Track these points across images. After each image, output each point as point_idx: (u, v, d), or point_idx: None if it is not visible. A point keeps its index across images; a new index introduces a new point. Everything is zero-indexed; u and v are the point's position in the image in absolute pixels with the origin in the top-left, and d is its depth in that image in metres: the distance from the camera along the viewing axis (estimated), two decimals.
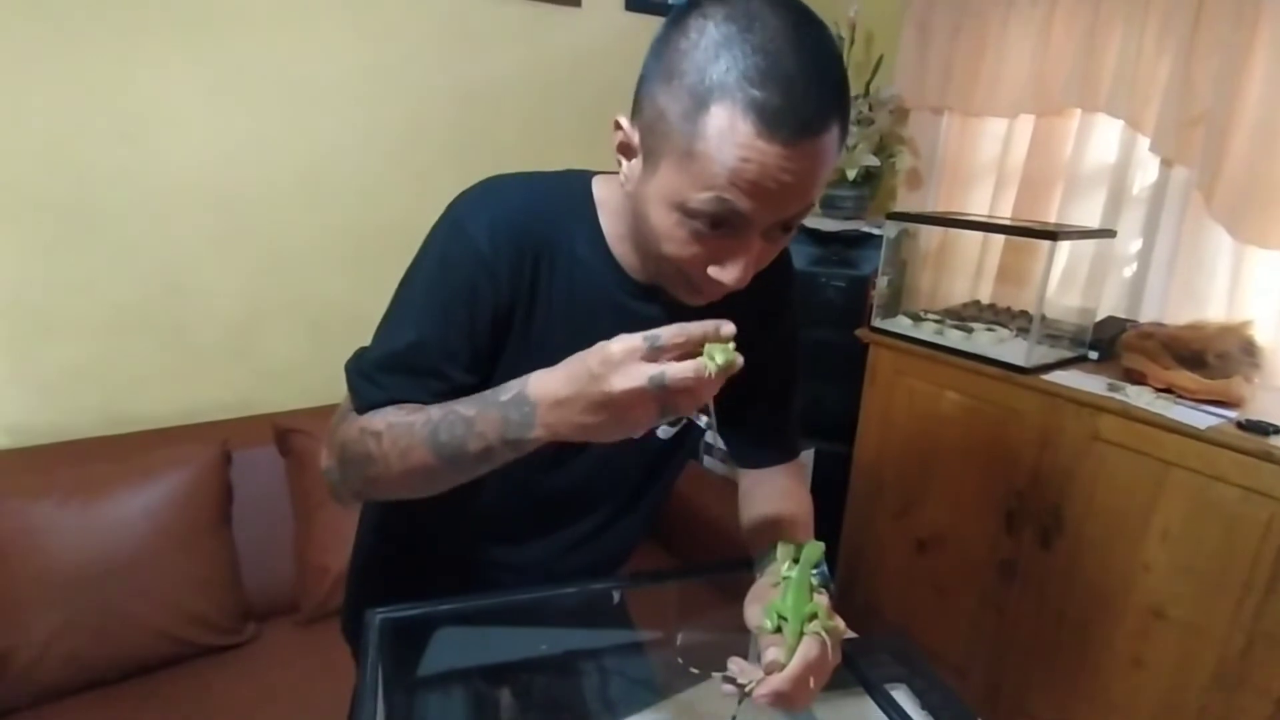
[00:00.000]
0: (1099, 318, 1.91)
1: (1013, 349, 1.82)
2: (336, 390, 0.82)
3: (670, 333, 0.60)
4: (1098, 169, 1.99)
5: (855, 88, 2.32)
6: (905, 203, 2.46)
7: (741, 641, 0.78)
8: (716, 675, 0.70)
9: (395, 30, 1.87)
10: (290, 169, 1.80)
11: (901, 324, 2.05)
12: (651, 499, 0.98)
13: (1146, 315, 1.90)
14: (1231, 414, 1.49)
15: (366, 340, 0.81)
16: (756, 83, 0.60)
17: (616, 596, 1.01)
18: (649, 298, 0.80)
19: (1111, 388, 1.62)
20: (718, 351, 0.60)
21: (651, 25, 0.70)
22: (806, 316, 2.22)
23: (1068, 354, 1.84)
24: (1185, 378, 1.57)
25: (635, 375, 0.59)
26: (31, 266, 1.57)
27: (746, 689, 0.66)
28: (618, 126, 0.72)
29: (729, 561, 0.92)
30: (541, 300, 0.78)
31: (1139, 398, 1.56)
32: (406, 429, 0.71)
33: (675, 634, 0.91)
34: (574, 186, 0.82)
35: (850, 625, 0.81)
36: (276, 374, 1.88)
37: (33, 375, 1.61)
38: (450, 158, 1.99)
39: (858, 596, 2.18)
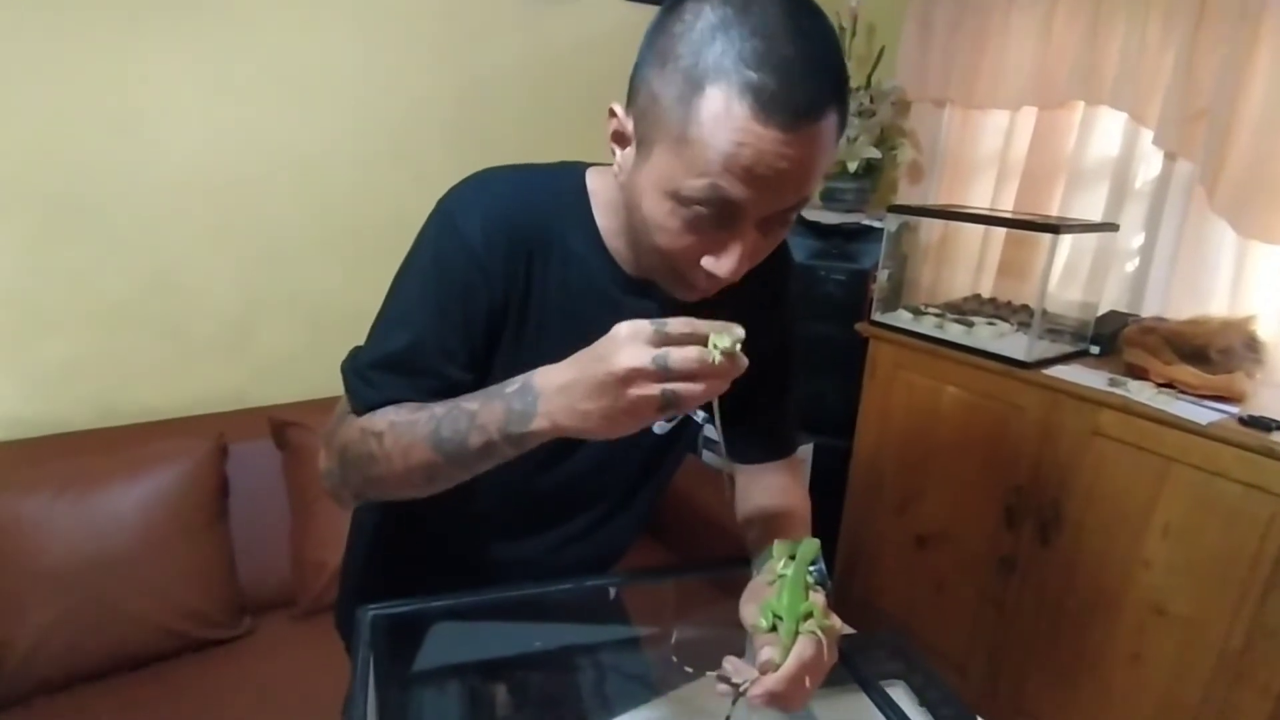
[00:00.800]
0: (1101, 312, 1.90)
1: (1014, 343, 1.81)
2: (333, 384, 0.81)
3: (678, 323, 0.59)
4: (1100, 162, 1.98)
5: (856, 80, 2.31)
6: (906, 196, 2.45)
7: (737, 638, 0.77)
8: (711, 674, 0.69)
9: (392, 21, 1.85)
10: (287, 161, 1.79)
11: (902, 318, 2.04)
12: (648, 494, 0.97)
13: (1149, 310, 1.89)
14: (1233, 410, 1.48)
15: (363, 334, 0.80)
16: (753, 66, 0.58)
17: (613, 593, 1.00)
18: (644, 293, 0.79)
19: (1113, 383, 1.61)
20: (723, 339, 0.59)
21: (650, 15, 0.68)
22: (806, 310, 2.23)
23: (1069, 349, 1.83)
24: (1187, 373, 1.56)
25: (639, 355, 0.58)
26: (26, 259, 1.56)
27: (741, 689, 0.65)
28: (612, 114, 0.71)
29: (726, 558, 0.91)
30: (536, 296, 0.77)
31: (1140, 393, 1.55)
32: (409, 427, 0.70)
33: (671, 631, 0.91)
34: (567, 179, 0.80)
35: (849, 621, 0.81)
36: (273, 367, 1.87)
37: (27, 368, 1.60)
38: (448, 149, 1.98)
39: (857, 591, 2.18)
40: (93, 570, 1.41)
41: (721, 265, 0.67)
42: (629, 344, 0.59)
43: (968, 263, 2.27)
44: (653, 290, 0.78)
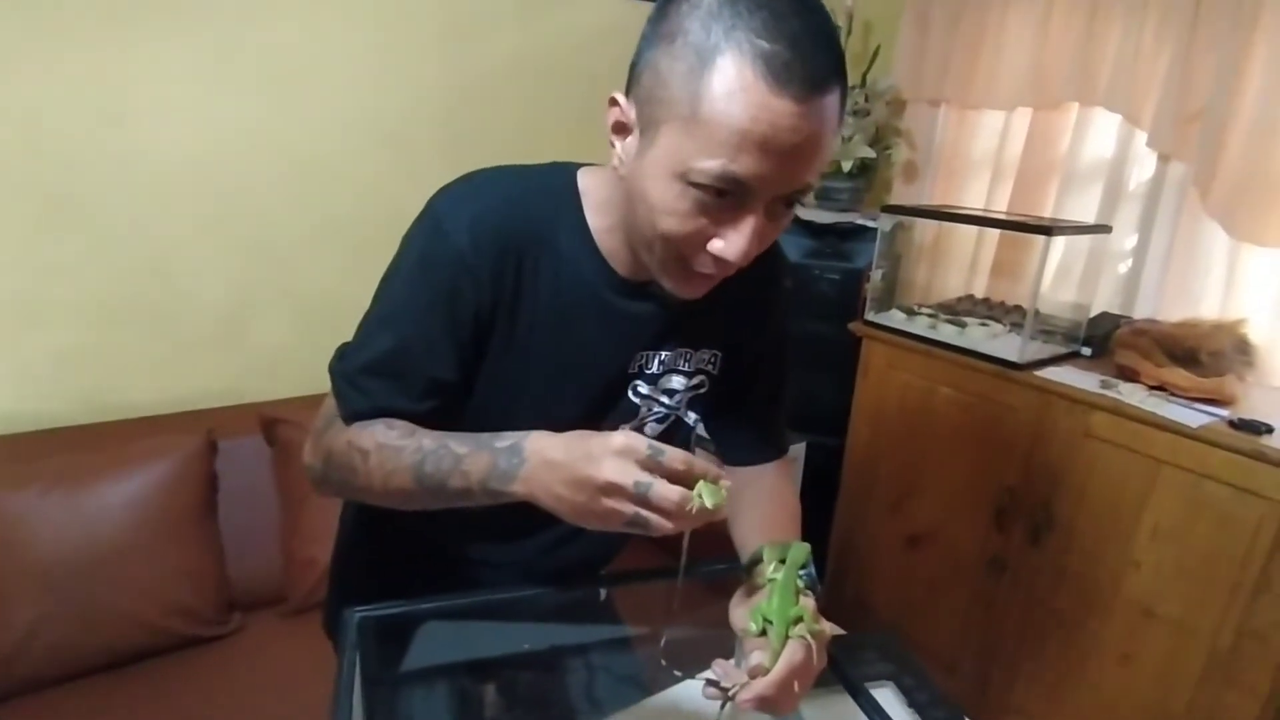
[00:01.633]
0: (1093, 314, 1.91)
1: (1006, 344, 1.81)
2: (324, 380, 0.81)
3: (676, 456, 0.62)
4: (1094, 163, 1.98)
5: (852, 78, 2.30)
6: (901, 195, 2.45)
7: (726, 640, 0.77)
8: (701, 677, 0.69)
9: (389, 16, 1.84)
10: (280, 156, 1.78)
11: (895, 318, 2.04)
12: None
13: (1141, 311, 1.90)
14: (1224, 413, 1.49)
15: (354, 331, 0.80)
16: (765, 37, 0.58)
17: (603, 594, 1.00)
18: (637, 295, 0.79)
19: (1104, 385, 1.61)
20: (708, 493, 0.62)
21: (647, 11, 0.68)
22: (800, 309, 2.22)
23: (1061, 350, 1.83)
24: (1178, 375, 1.56)
25: (625, 473, 0.60)
26: (15, 253, 1.54)
27: (730, 693, 0.65)
28: (613, 103, 0.70)
29: (715, 561, 0.91)
30: (526, 299, 0.76)
31: (1131, 395, 1.56)
32: (395, 453, 0.71)
33: (660, 633, 0.91)
34: (558, 180, 0.79)
35: (840, 621, 0.81)
36: (264, 363, 1.86)
37: (16, 363, 1.59)
38: (443, 146, 1.97)
39: (848, 591, 2.19)
40: (81, 567, 1.40)
41: (731, 247, 0.66)
42: (619, 459, 0.61)
43: (961, 263, 2.27)
44: (647, 292, 0.78)
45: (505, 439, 0.68)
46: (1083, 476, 1.62)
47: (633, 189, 0.69)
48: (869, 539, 2.13)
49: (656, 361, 0.84)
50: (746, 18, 0.59)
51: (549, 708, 0.98)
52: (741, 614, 0.71)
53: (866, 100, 2.30)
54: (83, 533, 1.42)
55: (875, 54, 2.33)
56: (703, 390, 0.89)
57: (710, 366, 0.89)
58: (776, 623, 0.68)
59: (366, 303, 0.79)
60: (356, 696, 0.73)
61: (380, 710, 0.78)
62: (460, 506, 0.73)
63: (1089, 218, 1.97)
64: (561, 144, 0.88)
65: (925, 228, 2.30)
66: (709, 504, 0.61)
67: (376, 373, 0.75)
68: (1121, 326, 1.75)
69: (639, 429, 0.88)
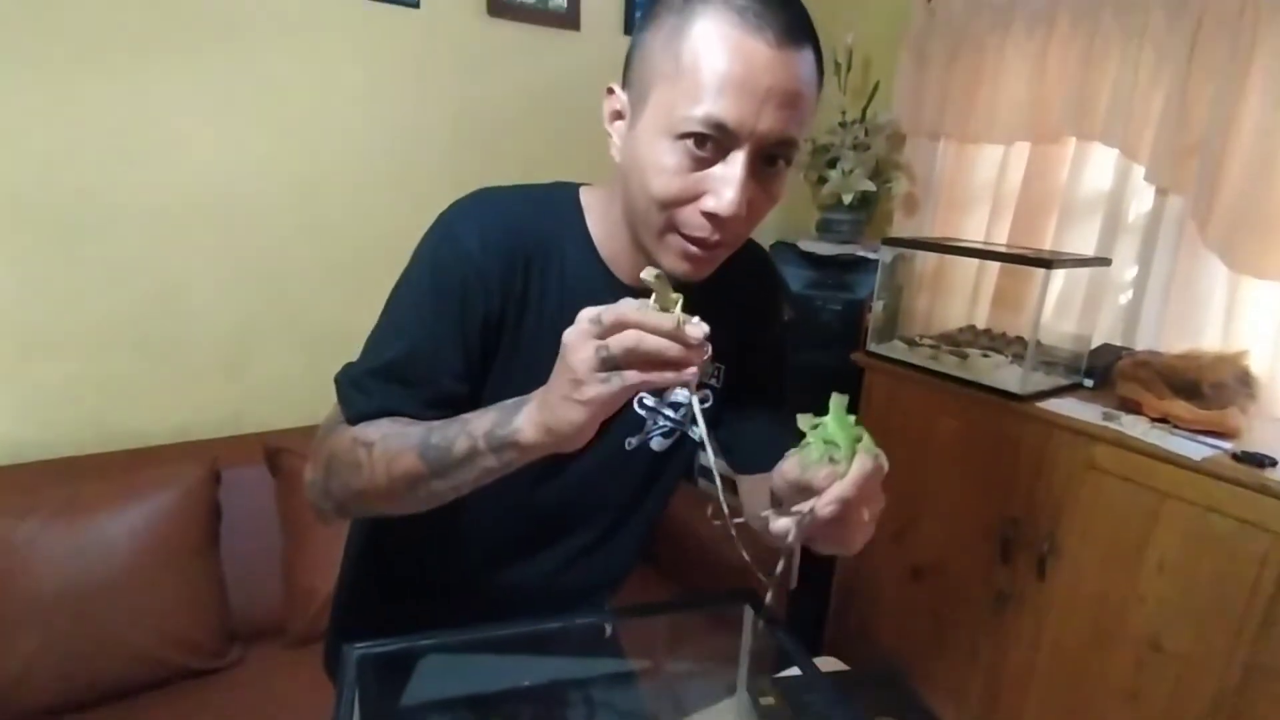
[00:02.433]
0: (1094, 345, 1.91)
1: (1008, 375, 1.82)
2: (329, 409, 0.81)
3: (614, 309, 0.60)
4: (1093, 196, 1.99)
5: (852, 113, 2.34)
6: (901, 228, 2.46)
7: (731, 677, 0.76)
8: (766, 514, 0.65)
9: (395, 51, 1.87)
10: (286, 187, 1.80)
11: (896, 348, 2.05)
12: (645, 514, 0.96)
13: (1142, 343, 1.90)
14: (1227, 445, 1.48)
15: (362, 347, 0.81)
16: None
17: (608, 629, 0.99)
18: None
19: (1107, 416, 1.61)
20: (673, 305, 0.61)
21: None
22: (802, 339, 2.23)
23: (1063, 381, 1.83)
24: (1180, 407, 1.56)
25: (586, 347, 0.59)
26: (22, 280, 1.56)
27: (805, 516, 0.61)
28: (610, 92, 0.75)
29: (721, 594, 0.90)
30: (533, 307, 0.78)
31: (1134, 427, 1.56)
32: (400, 437, 0.71)
33: (664, 666, 0.90)
34: (562, 194, 0.84)
35: (844, 653, 0.80)
36: (269, 393, 1.87)
37: (21, 391, 1.60)
38: (447, 179, 1.99)
39: (852, 623, 2.17)
40: (82, 598, 1.40)
41: (722, 199, 0.68)
42: (577, 345, 0.60)
43: (962, 294, 2.27)
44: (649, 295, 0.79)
45: (512, 399, 0.67)
46: (1087, 509, 1.62)
47: (627, 164, 0.73)
48: (873, 570, 2.11)
49: None
50: None
51: None
52: (793, 463, 0.65)
53: (867, 134, 2.33)
54: (84, 563, 1.42)
55: (875, 89, 2.36)
56: (708, 404, 0.90)
57: (714, 380, 0.91)
58: (842, 441, 0.64)
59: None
60: None
61: None
62: (464, 493, 0.71)
63: (1088, 250, 1.98)
64: (560, 174, 0.90)
65: (926, 259, 2.31)
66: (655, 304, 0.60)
67: (384, 377, 0.76)
68: (1123, 358, 1.75)
69: (645, 442, 0.89)
